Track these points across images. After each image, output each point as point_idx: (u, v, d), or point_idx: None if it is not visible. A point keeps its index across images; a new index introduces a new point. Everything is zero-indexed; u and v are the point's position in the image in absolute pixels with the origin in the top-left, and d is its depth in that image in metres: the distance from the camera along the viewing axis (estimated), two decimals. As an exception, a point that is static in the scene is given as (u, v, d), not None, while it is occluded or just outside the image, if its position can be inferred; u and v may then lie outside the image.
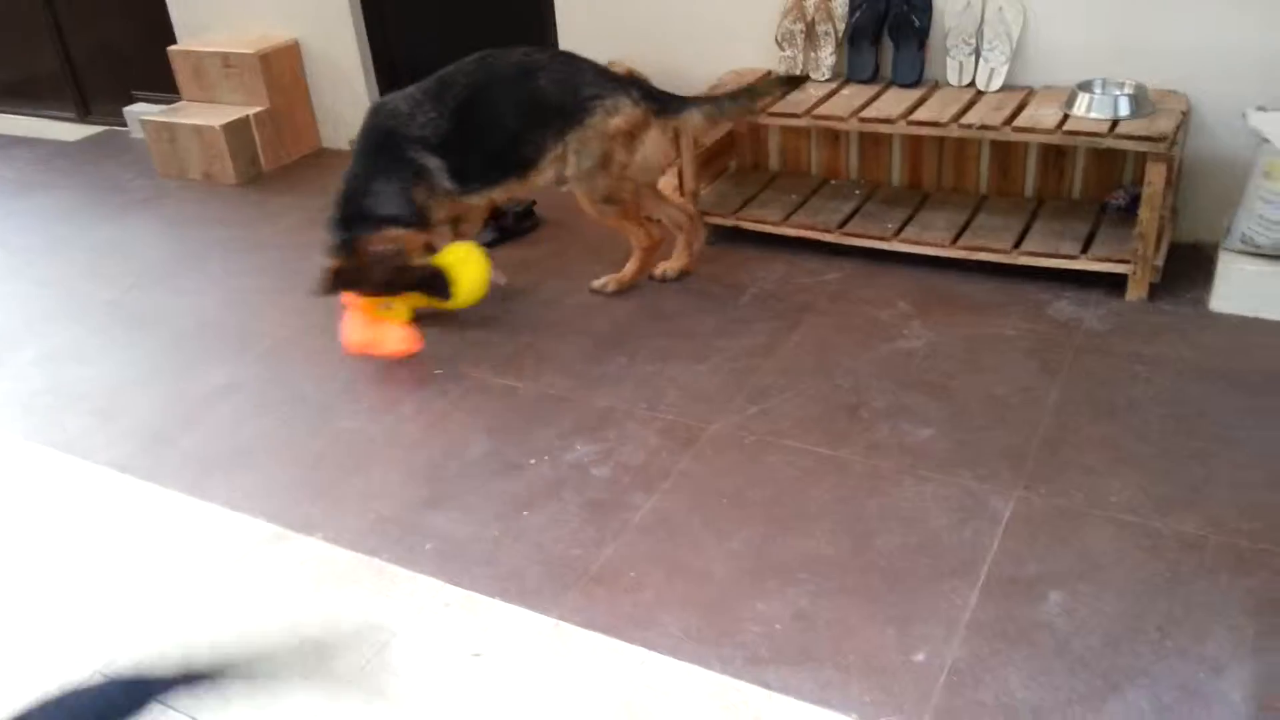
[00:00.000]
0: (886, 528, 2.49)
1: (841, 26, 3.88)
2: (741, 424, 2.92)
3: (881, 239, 3.69)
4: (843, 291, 3.58)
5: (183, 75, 5.34)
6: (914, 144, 3.93)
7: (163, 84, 5.63)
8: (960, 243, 3.58)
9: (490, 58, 3.45)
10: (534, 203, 4.34)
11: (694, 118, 3.48)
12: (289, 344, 3.61)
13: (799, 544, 2.47)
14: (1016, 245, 3.51)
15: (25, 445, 3.20)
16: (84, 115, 6.33)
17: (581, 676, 2.17)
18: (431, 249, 3.45)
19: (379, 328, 3.34)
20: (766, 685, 2.10)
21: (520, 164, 3.45)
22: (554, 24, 4.54)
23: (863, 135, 4.01)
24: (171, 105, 5.41)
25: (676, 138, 3.78)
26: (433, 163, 3.36)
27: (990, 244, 3.54)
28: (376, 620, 2.37)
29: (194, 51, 5.27)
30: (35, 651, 2.40)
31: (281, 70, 5.14)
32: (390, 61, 5.15)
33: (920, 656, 2.14)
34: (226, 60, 5.13)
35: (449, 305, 3.45)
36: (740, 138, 4.27)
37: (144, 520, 2.82)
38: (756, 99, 3.56)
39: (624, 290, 3.69)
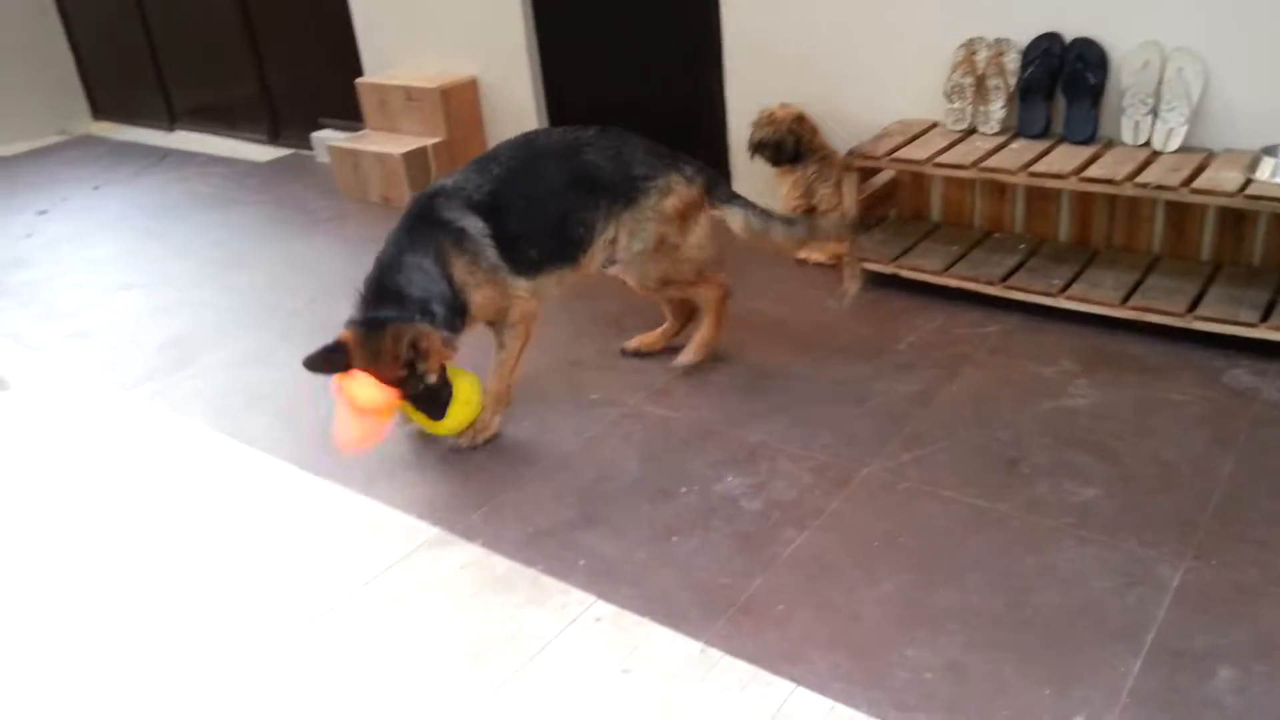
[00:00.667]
0: (1044, 585, 2.44)
1: (1013, 81, 3.86)
2: (896, 469, 2.92)
3: (1046, 294, 3.62)
4: (1003, 345, 3.53)
5: (368, 106, 5.69)
6: (1084, 201, 3.86)
7: (348, 112, 6.01)
8: (1130, 303, 3.49)
9: (536, 134, 3.38)
10: (693, 240, 4.44)
11: (736, 217, 3.32)
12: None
13: (952, 594, 2.44)
14: (1191, 309, 3.40)
15: (214, 437, 3.45)
16: (275, 139, 6.80)
17: (727, 701, 2.20)
18: (448, 354, 3.07)
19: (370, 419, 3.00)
20: (914, 731, 2.09)
21: (572, 246, 3.19)
22: (720, 63, 4.64)
23: (1030, 190, 3.95)
24: (355, 133, 5.77)
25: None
26: (475, 225, 3.03)
27: (1163, 306, 3.44)
28: (531, 628, 2.46)
29: (380, 84, 5.61)
30: (205, 631, 2.58)
31: (460, 104, 5.42)
32: (561, 100, 5.37)
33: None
34: (409, 94, 5.45)
35: (427, 426, 3.16)
36: (902, 186, 4.27)
37: (317, 513, 3.00)
38: (811, 237, 3.57)
39: (712, 353, 3.50)
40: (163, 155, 6.95)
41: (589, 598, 2.55)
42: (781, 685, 2.23)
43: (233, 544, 2.90)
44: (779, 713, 2.17)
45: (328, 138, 6.02)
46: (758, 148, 4.29)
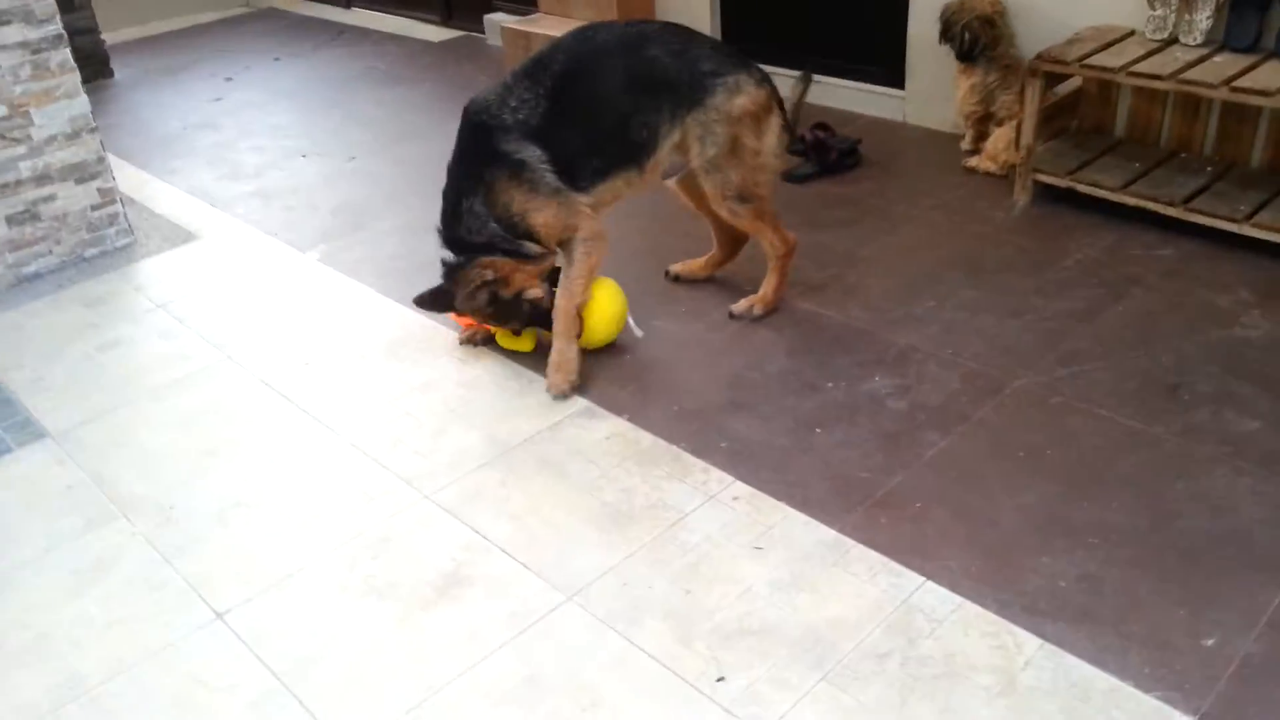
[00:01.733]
0: (1192, 511, 2.39)
1: (1225, -12, 3.59)
2: (1049, 384, 2.86)
3: (1230, 220, 3.42)
4: (1178, 270, 3.38)
5: (542, -12, 5.72)
6: (1286, 124, 3.60)
7: (520, -5, 6.06)
8: (1324, 235, 3.27)
9: (592, 29, 3.07)
10: (859, 140, 4.36)
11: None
12: (613, 244, 3.86)
13: (1094, 510, 2.42)
14: (1393, 245, 3.17)
15: (382, 300, 3.65)
16: (447, 19, 6.92)
17: (856, 587, 2.26)
18: (534, 270, 3.06)
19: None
20: (1042, 635, 2.11)
21: (633, 151, 2.99)
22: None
23: (1226, 108, 3.70)
24: (527, 15, 5.81)
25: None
26: (531, 153, 2.89)
27: (1360, 240, 3.22)
28: (670, 500, 2.56)
29: (556, -35, 5.62)
30: (365, 479, 2.78)
31: (633, -10, 5.40)
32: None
33: (1211, 642, 2.06)
34: (584, -24, 5.45)
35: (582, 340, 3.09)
36: (1088, 97, 4.06)
37: (474, 378, 3.15)
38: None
39: (771, 310, 3.33)
40: (340, 31, 7.17)
41: (728, 478, 2.62)
42: (911, 577, 2.27)
43: (392, 400, 3.09)
44: (906, 603, 2.21)
45: (500, 19, 6.09)
46: (945, 32, 4.15)
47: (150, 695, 2.18)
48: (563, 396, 2.99)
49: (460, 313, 3.16)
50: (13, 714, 2.17)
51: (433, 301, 3.14)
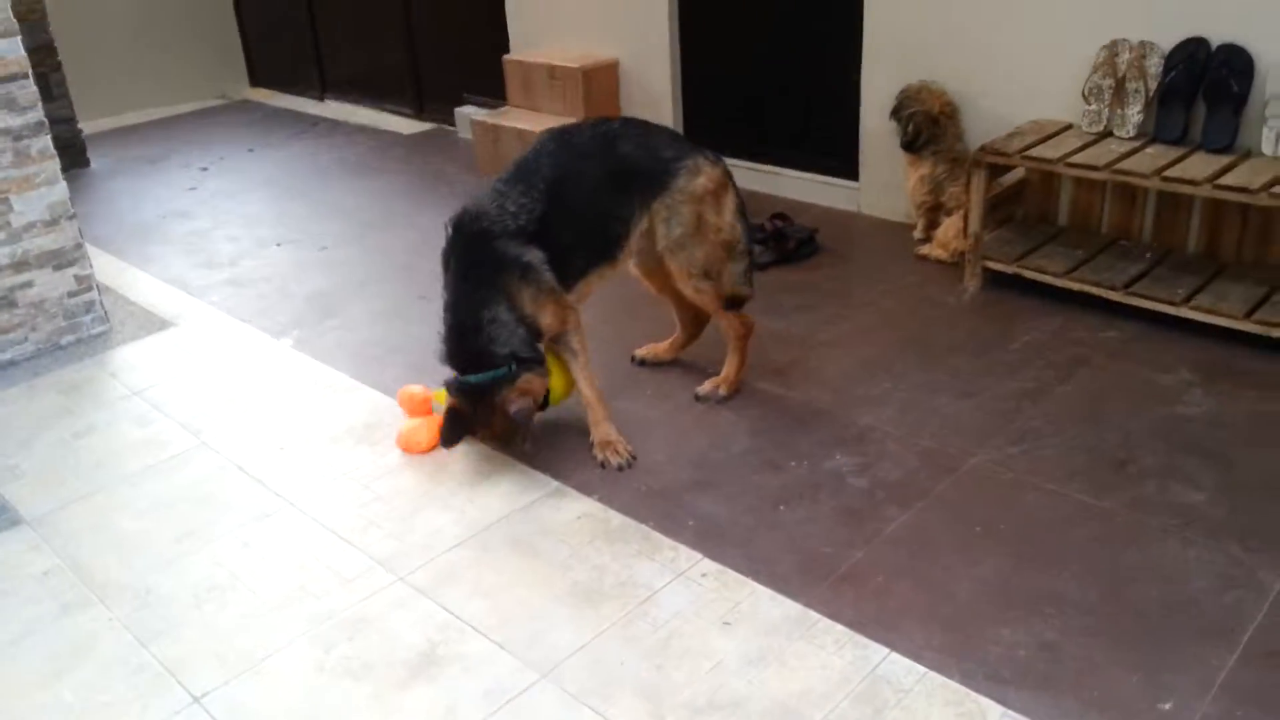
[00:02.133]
0: (1143, 580, 2.50)
1: (1154, 85, 3.84)
2: (1002, 461, 2.99)
3: (1169, 303, 3.62)
4: (1121, 351, 3.55)
5: (512, 83, 5.94)
6: (1215, 210, 3.82)
7: (490, 90, 6.28)
8: (1256, 317, 3.46)
9: (567, 133, 3.20)
10: (816, 229, 4.54)
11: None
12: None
13: (1049, 581, 2.52)
14: (1320, 327, 3.37)
15: (354, 385, 3.72)
16: (419, 112, 7.13)
17: (823, 660, 2.33)
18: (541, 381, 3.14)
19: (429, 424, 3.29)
20: (1004, 702, 2.19)
21: (610, 245, 3.15)
22: (859, 54, 4.70)
23: (1161, 197, 3.93)
24: (497, 109, 6.02)
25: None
26: (535, 255, 2.98)
27: (1289, 322, 3.41)
28: (640, 578, 2.63)
29: (525, 62, 5.85)
30: (338, 558, 2.83)
31: (600, 86, 5.63)
32: (698, 89, 5.51)
33: (1167, 706, 2.15)
34: (553, 72, 5.68)
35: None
36: (1031, 187, 4.29)
37: (448, 461, 3.22)
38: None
39: (735, 390, 3.44)
40: (314, 123, 7.36)
41: (696, 555, 2.70)
42: (876, 649, 2.35)
43: (365, 483, 3.15)
44: (872, 674, 2.29)
45: (470, 112, 6.30)
46: (895, 112, 4.39)
47: (125, 781, 2.19)
48: (627, 464, 3.12)
49: (489, 430, 3.12)
50: (-15, 803, 2.17)
51: (457, 431, 3.09)
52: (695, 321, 3.61)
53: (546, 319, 3.05)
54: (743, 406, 3.38)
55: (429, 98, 7.08)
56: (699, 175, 3.15)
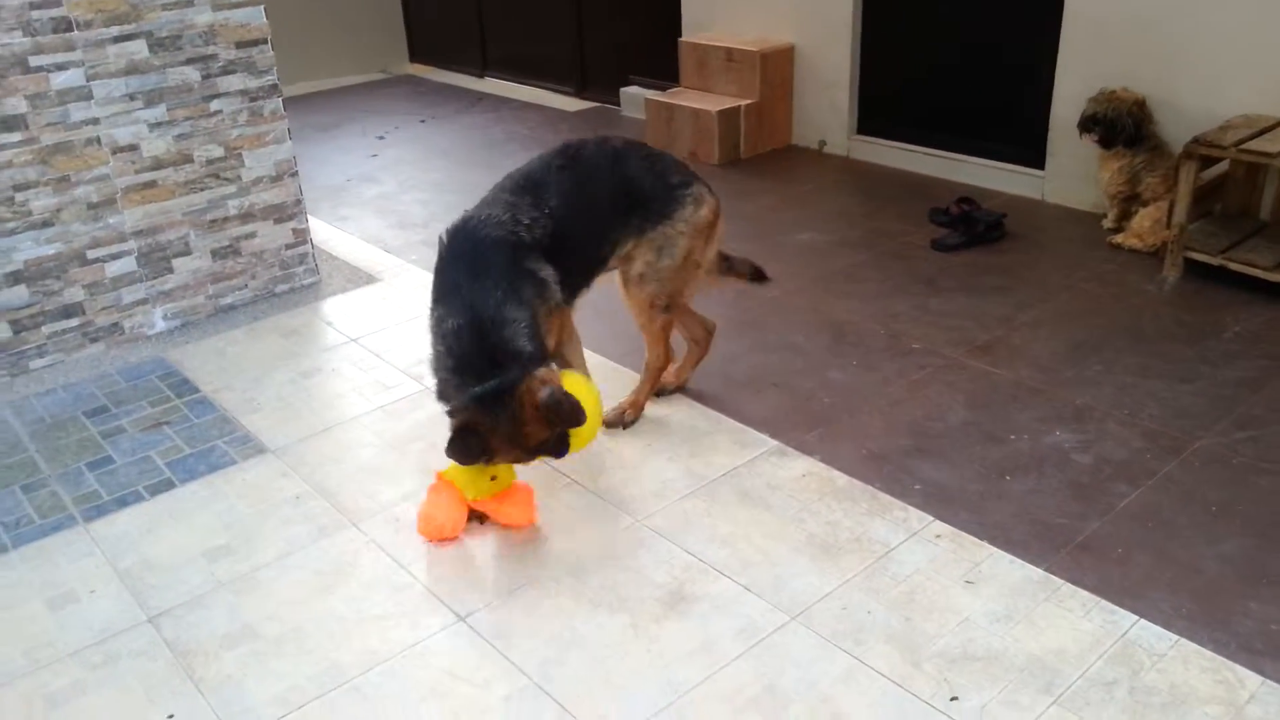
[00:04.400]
0: (1394, 568, 2.49)
1: (1379, 82, 3.76)
2: (1229, 445, 2.99)
3: (1390, 301, 3.56)
4: (1338, 346, 3.50)
5: (686, 64, 6.05)
6: None
7: (655, 71, 6.40)
8: None
9: (575, 148, 3.03)
10: (1004, 215, 4.55)
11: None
12: (780, 302, 4.07)
13: (1295, 562, 2.53)
14: None
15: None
16: (581, 91, 7.30)
17: (1073, 623, 2.38)
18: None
19: (489, 502, 2.84)
20: (1262, 672, 2.21)
21: (597, 265, 3.05)
22: (1056, 40, 4.68)
23: (1379, 196, 3.86)
24: (670, 90, 6.14)
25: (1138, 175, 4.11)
26: (549, 273, 2.81)
27: None
28: (874, 534, 2.72)
29: (701, 44, 5.96)
30: (572, 499, 2.97)
31: (775, 69, 5.70)
32: (877, 74, 5.54)
33: None
34: (730, 55, 5.77)
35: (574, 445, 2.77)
36: (1233, 181, 4.23)
37: (667, 411, 3.34)
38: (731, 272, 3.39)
39: (639, 415, 3.32)
40: (478, 98, 7.59)
41: (927, 517, 2.77)
42: (1124, 615, 2.39)
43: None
44: (1124, 638, 2.33)
45: (639, 93, 6.43)
46: (1090, 122, 4.34)
47: (408, 686, 2.35)
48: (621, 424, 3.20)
49: (513, 444, 2.65)
50: (280, 698, 2.35)
51: (465, 453, 2.63)
52: (703, 328, 3.46)
53: (553, 332, 2.89)
54: (953, 380, 3.43)
55: (592, 77, 7.23)
56: (703, 206, 3.07)
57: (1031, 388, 3.35)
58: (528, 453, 2.68)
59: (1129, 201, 4.41)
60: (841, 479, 2.96)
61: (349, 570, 2.74)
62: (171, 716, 2.30)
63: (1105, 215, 4.54)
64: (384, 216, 5.30)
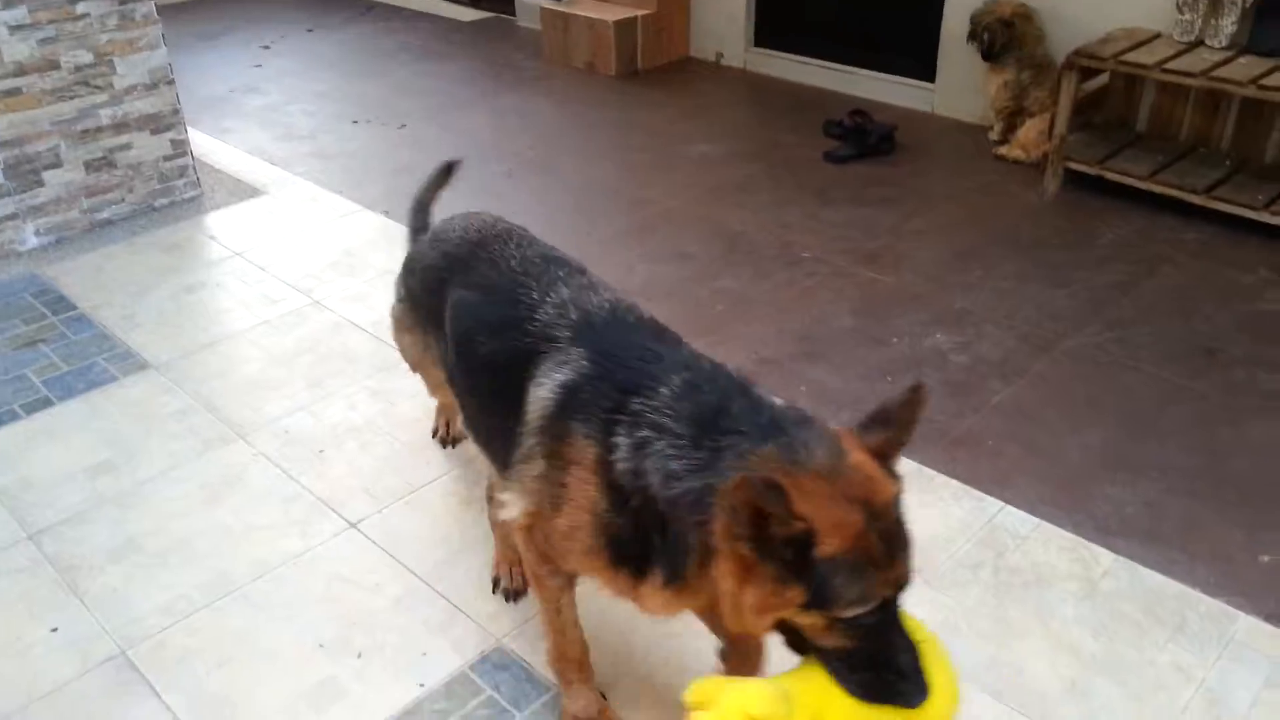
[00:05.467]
0: (1239, 453, 2.67)
1: (1249, -3, 3.89)
2: (1098, 345, 3.14)
3: (1250, 208, 3.73)
4: (1204, 252, 3.67)
5: (583, -28, 5.92)
6: (1300, 122, 3.91)
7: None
8: (1336, 223, 3.59)
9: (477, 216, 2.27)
10: (895, 127, 4.62)
11: None
12: (675, 212, 4.08)
13: (1152, 450, 2.68)
14: (1399, 234, 3.49)
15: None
16: (475, 1, 7.09)
17: (944, 510, 2.50)
18: None
19: None
20: (1115, 550, 2.36)
21: None
22: (943, -37, 4.73)
23: (1244, 106, 4.01)
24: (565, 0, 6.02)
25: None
26: None
27: (1370, 229, 3.53)
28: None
29: (598, -48, 5.83)
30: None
31: (672, -20, 5.62)
32: (769, -17, 5.52)
33: (1267, 558, 2.33)
34: (627, -37, 5.66)
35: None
36: (1112, 93, 4.35)
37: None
38: None
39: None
40: (369, 7, 7.31)
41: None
42: (992, 502, 2.52)
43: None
44: (990, 522, 2.46)
45: (533, 2, 6.28)
46: (972, 33, 4.44)
47: (298, 592, 2.36)
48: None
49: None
50: (166, 608, 2.33)
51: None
52: None
53: None
54: (840, 287, 3.50)
55: (487, -14, 7.03)
56: None
57: (914, 294, 3.45)
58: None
59: (1015, 115, 4.51)
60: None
61: (236, 483, 2.71)
62: (55, 630, 2.27)
63: (992, 128, 4.64)
64: (269, 129, 5.11)
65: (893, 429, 1.49)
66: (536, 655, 2.14)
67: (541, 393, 1.72)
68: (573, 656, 1.98)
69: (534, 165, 4.55)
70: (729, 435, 1.47)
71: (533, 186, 4.36)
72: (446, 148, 4.83)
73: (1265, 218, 3.70)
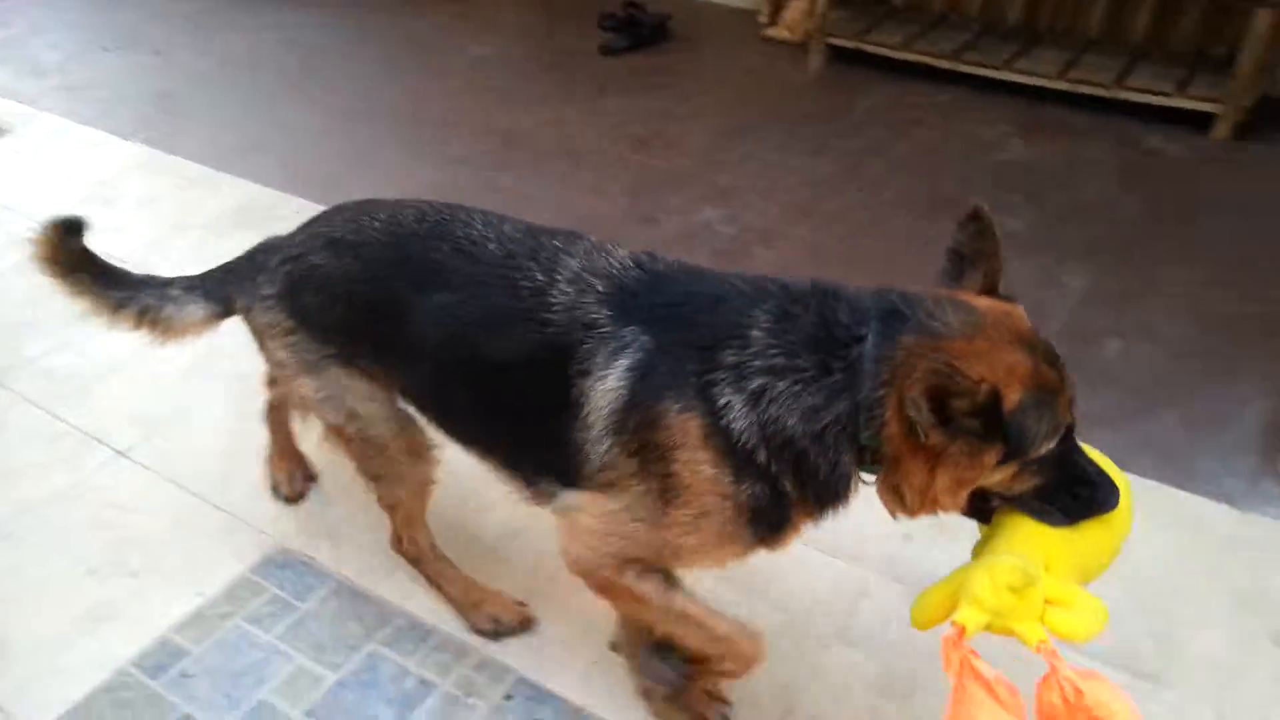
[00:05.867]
0: (975, 290, 2.89)
1: None
2: (852, 205, 3.32)
3: (993, 67, 3.98)
4: (952, 112, 3.90)
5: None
6: (1033, -16, 4.17)
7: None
8: (1067, 75, 3.86)
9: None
10: (668, 16, 4.67)
11: None
12: (451, 118, 4.04)
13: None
14: (1119, 82, 3.79)
15: (217, 175, 3.69)
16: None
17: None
18: None
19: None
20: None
21: None
22: None
23: (985, -27, 4.24)
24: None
25: None
26: None
27: (1094, 78, 3.82)
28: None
29: None
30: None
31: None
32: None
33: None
34: None
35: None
36: (867, -31, 4.52)
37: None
38: None
39: None
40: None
41: (586, 298, 2.93)
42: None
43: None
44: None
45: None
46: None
47: (67, 525, 2.29)
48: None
49: None
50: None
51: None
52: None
53: None
54: (616, 174, 3.57)
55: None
56: None
57: (685, 174, 3.55)
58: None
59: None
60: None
61: (-4, 428, 2.59)
62: None
63: (760, 11, 4.74)
64: (10, 64, 4.74)
65: (984, 260, 1.50)
66: (320, 551, 2.17)
67: (607, 385, 1.50)
68: (724, 629, 1.64)
69: (299, 86, 4.40)
70: (853, 346, 1.38)
71: (299, 106, 4.22)
72: (206, 72, 4.62)
73: (1007, 75, 3.96)
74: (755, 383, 1.41)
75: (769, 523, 1.49)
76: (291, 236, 1.89)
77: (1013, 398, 1.29)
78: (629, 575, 1.60)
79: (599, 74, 4.32)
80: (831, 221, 3.23)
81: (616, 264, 1.59)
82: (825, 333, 1.40)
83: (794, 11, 4.53)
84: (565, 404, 1.53)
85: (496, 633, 2.01)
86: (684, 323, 1.49)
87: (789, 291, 1.50)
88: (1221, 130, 3.64)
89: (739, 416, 1.42)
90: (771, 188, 3.43)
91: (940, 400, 1.26)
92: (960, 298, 1.43)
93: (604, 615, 1.88)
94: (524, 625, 2.02)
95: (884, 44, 4.19)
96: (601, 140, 3.79)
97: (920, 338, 1.33)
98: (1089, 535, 1.40)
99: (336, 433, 1.91)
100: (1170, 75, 3.80)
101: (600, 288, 1.55)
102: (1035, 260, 3.00)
